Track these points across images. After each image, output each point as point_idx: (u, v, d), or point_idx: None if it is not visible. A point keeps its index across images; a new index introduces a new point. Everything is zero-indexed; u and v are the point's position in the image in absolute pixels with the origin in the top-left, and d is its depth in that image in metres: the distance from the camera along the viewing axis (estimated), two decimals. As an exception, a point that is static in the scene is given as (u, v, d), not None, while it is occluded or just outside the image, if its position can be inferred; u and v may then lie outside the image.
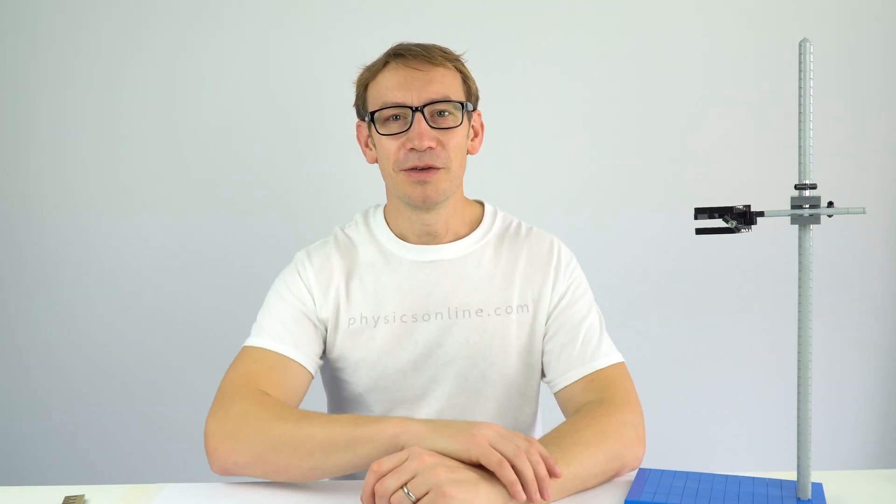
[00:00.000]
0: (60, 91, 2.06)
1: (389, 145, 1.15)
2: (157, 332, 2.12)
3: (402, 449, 0.91)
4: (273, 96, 2.07)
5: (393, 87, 1.14)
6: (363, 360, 1.20)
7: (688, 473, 1.01)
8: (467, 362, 1.20)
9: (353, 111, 1.26)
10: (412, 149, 1.13)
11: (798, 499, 0.93)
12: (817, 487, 0.96)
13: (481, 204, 1.31)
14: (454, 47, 1.22)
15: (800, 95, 0.87)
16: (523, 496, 0.88)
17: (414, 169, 1.14)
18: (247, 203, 2.09)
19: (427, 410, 1.21)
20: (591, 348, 1.19)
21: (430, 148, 1.13)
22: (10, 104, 2.07)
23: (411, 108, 1.13)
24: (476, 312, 1.20)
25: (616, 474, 1.04)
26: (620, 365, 1.19)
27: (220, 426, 1.03)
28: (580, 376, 1.17)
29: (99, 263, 2.11)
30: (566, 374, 1.18)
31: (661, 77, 2.07)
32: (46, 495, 1.01)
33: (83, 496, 1.00)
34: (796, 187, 0.88)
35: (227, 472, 1.02)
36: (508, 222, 1.29)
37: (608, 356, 1.19)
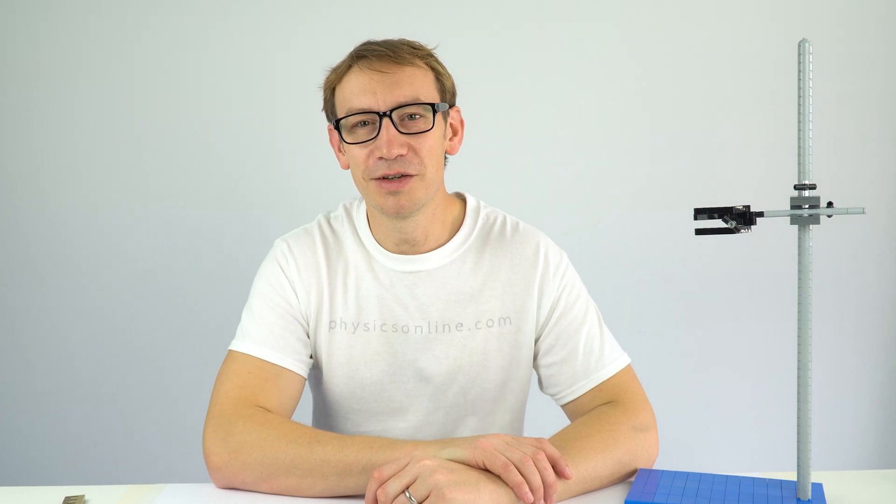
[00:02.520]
0: (63, 89, 2.07)
1: (358, 153, 1.08)
2: (158, 332, 2.12)
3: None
4: (272, 93, 2.07)
5: (358, 92, 1.07)
6: (342, 367, 1.16)
7: (688, 473, 1.01)
8: (446, 378, 1.16)
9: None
10: (381, 157, 1.06)
11: (798, 499, 0.92)
12: (817, 487, 0.96)
13: (463, 200, 1.22)
14: (429, 42, 1.14)
15: (799, 95, 0.87)
16: (531, 497, 0.88)
17: (384, 178, 1.07)
18: (251, 200, 2.09)
19: (404, 425, 1.17)
20: (594, 357, 1.15)
21: (401, 155, 1.06)
22: (10, 102, 2.07)
23: (378, 113, 1.06)
24: (456, 327, 1.15)
25: (625, 479, 1.04)
26: (627, 369, 1.16)
27: (222, 445, 1.00)
28: (587, 389, 1.14)
29: (99, 263, 2.11)
30: (572, 387, 1.15)
31: (660, 77, 2.07)
32: (46, 495, 1.01)
33: (83, 496, 1.00)
34: (796, 187, 0.88)
35: (230, 488, 1.02)
36: (492, 220, 1.20)
37: (613, 362, 1.15)
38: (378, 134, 1.06)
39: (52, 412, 2.15)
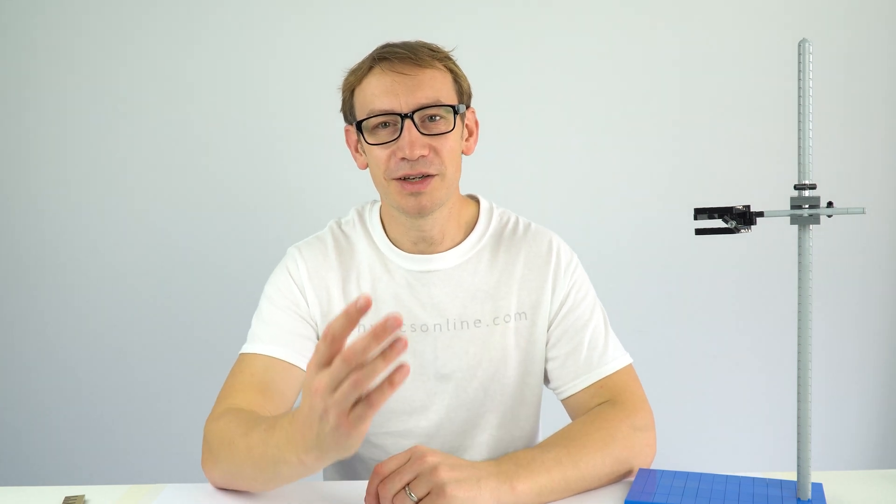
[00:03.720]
0: (57, 92, 2.06)
1: (379, 154, 1.10)
2: (158, 331, 2.12)
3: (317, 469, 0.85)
4: (269, 96, 2.07)
5: (379, 94, 1.08)
6: None
7: (688, 473, 1.01)
8: (467, 374, 1.17)
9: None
10: (403, 158, 1.08)
11: (798, 499, 0.93)
12: (817, 487, 0.96)
13: (476, 201, 1.25)
14: (443, 44, 1.16)
15: (799, 95, 0.87)
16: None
17: (406, 179, 1.09)
18: (246, 204, 2.09)
19: (426, 423, 1.18)
20: (597, 353, 1.16)
21: (423, 156, 1.08)
22: (6, 102, 2.07)
23: (400, 115, 1.07)
24: (474, 323, 1.17)
25: (623, 477, 1.04)
26: (628, 368, 1.17)
27: (204, 446, 1.02)
28: (588, 384, 1.15)
29: (99, 263, 2.11)
30: (573, 381, 1.16)
31: (661, 77, 2.07)
32: (46, 495, 1.01)
33: (83, 496, 1.00)
34: (796, 187, 0.88)
35: (220, 487, 1.02)
36: (505, 220, 1.23)
37: (615, 360, 1.16)
38: (400, 135, 1.08)
39: (51, 412, 2.15)
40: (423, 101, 1.08)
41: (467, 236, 1.20)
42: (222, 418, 1.01)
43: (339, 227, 1.23)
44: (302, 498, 0.99)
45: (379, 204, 1.23)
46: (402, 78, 1.08)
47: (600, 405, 1.12)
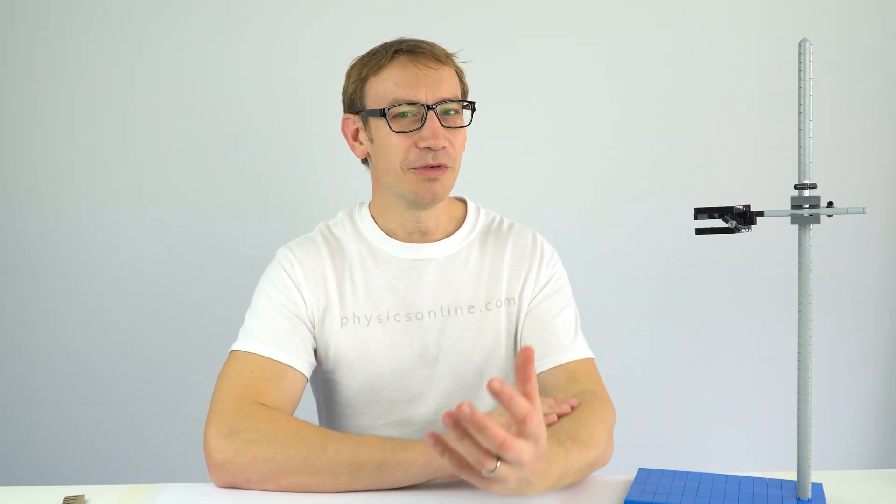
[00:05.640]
0: (61, 90, 2.07)
1: (399, 143, 1.12)
2: (158, 332, 2.12)
3: (433, 474, 0.97)
4: (271, 95, 2.07)
5: (404, 84, 1.12)
6: (358, 361, 1.18)
7: (688, 473, 1.01)
8: (462, 359, 1.20)
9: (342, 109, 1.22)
10: (426, 147, 1.11)
11: (798, 499, 0.93)
12: (817, 487, 0.96)
13: (463, 201, 1.30)
14: (446, 46, 1.19)
15: (799, 95, 0.87)
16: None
17: (424, 167, 1.12)
18: (248, 201, 2.09)
19: (424, 410, 1.20)
20: (568, 339, 1.20)
21: (443, 147, 1.12)
22: (11, 102, 2.07)
23: (425, 105, 1.11)
24: (468, 309, 1.20)
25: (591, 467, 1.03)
26: (593, 362, 1.20)
27: (227, 443, 1.01)
28: (555, 364, 1.17)
29: (99, 263, 2.11)
30: (542, 360, 1.18)
31: (660, 76, 2.07)
32: (46, 495, 1.01)
33: (83, 496, 1.00)
34: (796, 187, 0.88)
35: (232, 487, 1.02)
36: (491, 218, 1.29)
37: (582, 350, 1.20)
38: (423, 125, 1.12)
39: (52, 412, 2.15)
40: (446, 95, 1.13)
41: (457, 230, 1.24)
42: (262, 414, 1.03)
43: (329, 228, 1.25)
44: (306, 498, 0.99)
45: (368, 202, 1.26)
46: (426, 71, 1.13)
47: (591, 401, 1.11)
